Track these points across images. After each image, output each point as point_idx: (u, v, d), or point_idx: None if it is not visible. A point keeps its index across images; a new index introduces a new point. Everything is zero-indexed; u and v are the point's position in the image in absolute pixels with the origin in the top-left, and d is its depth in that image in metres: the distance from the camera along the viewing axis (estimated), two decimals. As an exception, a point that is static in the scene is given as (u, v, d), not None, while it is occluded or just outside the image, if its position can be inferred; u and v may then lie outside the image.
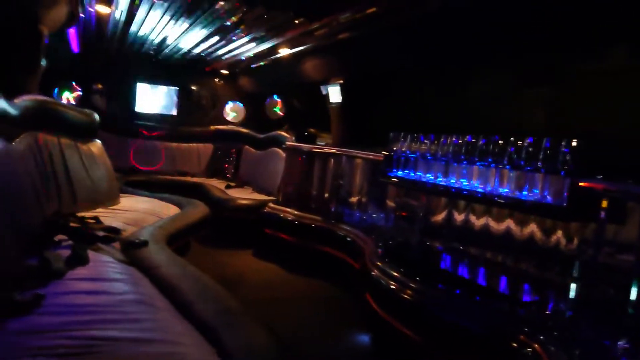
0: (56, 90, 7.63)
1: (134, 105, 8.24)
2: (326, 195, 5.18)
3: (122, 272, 2.47)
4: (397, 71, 5.14)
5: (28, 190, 2.97)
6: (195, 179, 7.63)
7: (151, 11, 4.80)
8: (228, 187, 7.00)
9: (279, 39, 5.39)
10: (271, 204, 5.65)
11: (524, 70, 3.96)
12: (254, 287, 4.45)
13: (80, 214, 3.63)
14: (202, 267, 4.64)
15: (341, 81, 5.45)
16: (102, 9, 4.60)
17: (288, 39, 5.25)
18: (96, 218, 3.48)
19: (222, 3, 4.19)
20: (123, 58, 7.58)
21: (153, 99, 8.42)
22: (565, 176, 2.54)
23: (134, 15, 4.96)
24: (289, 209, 5.39)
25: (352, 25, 4.34)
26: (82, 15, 4.70)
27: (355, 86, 5.48)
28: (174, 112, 8.52)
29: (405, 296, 2.83)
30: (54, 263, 2.28)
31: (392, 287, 2.97)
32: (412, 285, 2.84)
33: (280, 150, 6.67)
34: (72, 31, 5.26)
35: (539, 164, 2.73)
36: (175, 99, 8.51)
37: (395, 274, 3.03)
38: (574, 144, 2.57)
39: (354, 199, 4.87)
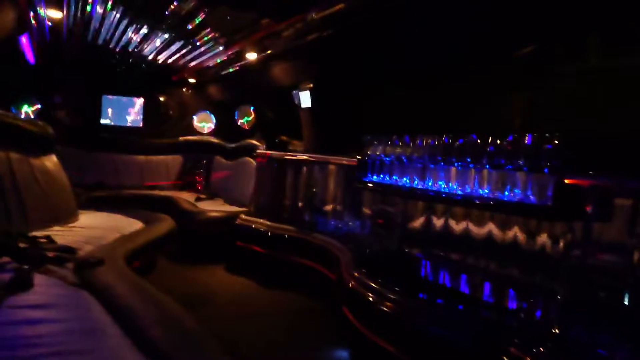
0: (12, 105, 7.26)
1: (98, 117, 7.92)
2: (300, 204, 4.98)
3: (70, 296, 2.21)
4: (369, 72, 4.98)
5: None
6: (164, 193, 7.33)
7: (107, 15, 4.56)
8: (198, 199, 6.73)
9: (245, 43, 5.19)
10: (243, 215, 5.42)
11: (503, 68, 3.86)
12: (225, 304, 4.20)
13: (32, 234, 3.36)
14: (169, 285, 4.45)
15: (311, 85, 5.27)
16: (54, 14, 4.33)
17: (254, 42, 5.06)
18: (48, 237, 3.20)
19: (176, 4, 3.97)
20: (85, 68, 7.28)
21: (118, 110, 8.11)
22: (550, 173, 2.39)
23: (90, 20, 4.71)
24: (261, 220, 5.17)
25: (320, 25, 4.17)
26: (33, 21, 4.42)
27: (326, 90, 5.31)
28: (141, 124, 8.22)
29: (384, 308, 2.64)
30: (-10, 289, 2.02)
31: (370, 298, 2.78)
32: (390, 296, 2.65)
33: (251, 160, 6.46)
34: (24, 40, 4.97)
35: (521, 162, 2.58)
36: (141, 110, 8.21)
37: (373, 284, 2.84)
38: (557, 141, 2.43)
39: (328, 207, 4.67)
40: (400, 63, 4.54)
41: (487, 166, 2.77)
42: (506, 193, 2.66)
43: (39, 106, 7.44)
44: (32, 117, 7.36)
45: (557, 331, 2.12)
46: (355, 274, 3.12)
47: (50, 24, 4.73)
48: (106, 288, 2.39)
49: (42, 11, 4.30)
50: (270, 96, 7.30)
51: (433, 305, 2.57)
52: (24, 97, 7.35)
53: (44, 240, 3.19)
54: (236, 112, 8.33)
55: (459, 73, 4.30)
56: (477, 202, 2.79)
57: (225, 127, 8.48)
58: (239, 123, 8.37)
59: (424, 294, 2.68)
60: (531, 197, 2.53)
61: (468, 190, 2.99)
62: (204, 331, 1.92)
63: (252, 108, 8.24)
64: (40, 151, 3.93)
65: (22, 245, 3.00)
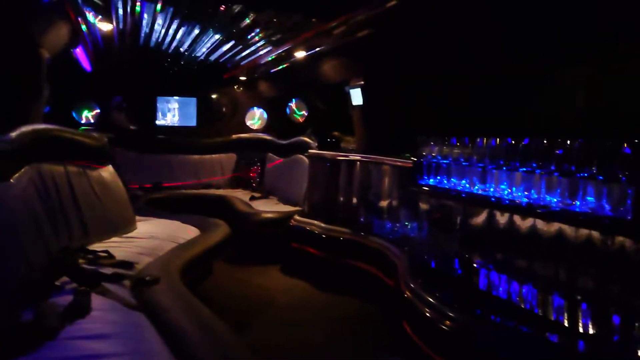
0: (74, 111, 7.53)
1: (154, 119, 8.09)
2: (354, 205, 4.86)
3: (126, 322, 2.22)
4: (424, 68, 4.77)
5: (29, 230, 2.76)
6: (219, 192, 7.41)
7: (156, 19, 4.58)
8: (252, 198, 6.75)
9: (295, 42, 5.11)
10: (297, 216, 5.36)
11: (563, 51, 3.58)
12: (281, 309, 4.18)
13: (92, 247, 3.44)
14: (226, 289, 4.50)
15: (362, 82, 5.11)
16: (105, 27, 4.40)
17: (304, 40, 4.96)
18: (107, 251, 3.25)
19: (224, 7, 3.92)
20: (139, 72, 7.44)
21: (173, 111, 8.25)
22: (629, 183, 2.15)
23: (140, 25, 4.75)
24: (315, 222, 5.10)
25: (371, 22, 4.01)
26: (85, 30, 4.51)
27: (379, 87, 5.13)
28: (195, 123, 8.34)
29: (443, 326, 2.50)
30: (48, 318, 2.04)
31: (427, 314, 2.65)
32: (449, 314, 2.51)
33: (304, 157, 6.38)
34: (79, 51, 5.10)
35: (594, 169, 2.35)
36: (195, 109, 8.33)
37: (431, 299, 2.71)
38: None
39: (383, 209, 4.53)
40: (457, 56, 4.31)
41: (556, 173, 2.55)
42: (577, 203, 2.44)
43: (98, 111, 7.68)
44: (92, 121, 7.61)
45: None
46: (412, 285, 2.99)
47: (101, 33, 4.81)
48: (161, 311, 2.39)
49: (91, 16, 4.34)
50: (322, 92, 7.21)
51: (493, 324, 2.41)
52: (84, 103, 7.60)
53: (104, 254, 3.26)
54: (287, 109, 8.28)
55: (514, 54, 4.02)
56: (542, 211, 2.58)
57: (277, 123, 8.46)
58: (292, 118, 8.33)
59: (485, 312, 2.52)
60: (607, 207, 2.30)
61: (534, 196, 2.78)
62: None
63: (303, 102, 8.18)
64: (96, 162, 4.01)
65: (82, 261, 3.08)
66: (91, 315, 2.24)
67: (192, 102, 8.28)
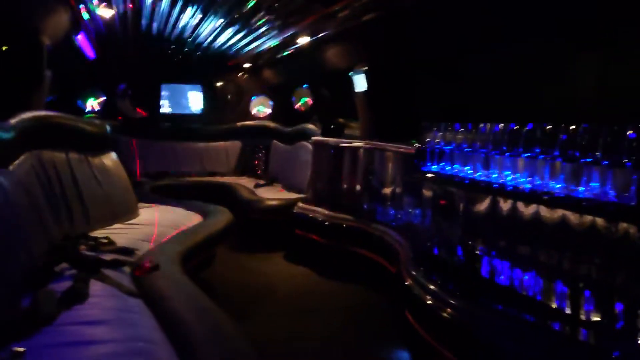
0: (79, 99, 7.53)
1: (158, 106, 8.07)
2: (357, 192, 4.83)
3: (124, 309, 2.21)
4: (428, 53, 4.70)
5: (30, 217, 2.76)
6: (224, 179, 7.41)
7: (161, 6, 4.53)
8: (257, 185, 6.75)
9: (299, 26, 5.04)
10: (300, 204, 5.34)
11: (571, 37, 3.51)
12: (283, 298, 4.17)
13: (93, 234, 3.44)
14: (228, 277, 4.51)
15: (366, 68, 5.05)
16: (106, 13, 4.36)
17: (308, 25, 4.90)
18: (108, 238, 3.25)
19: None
20: (143, 59, 7.41)
21: (177, 99, 8.23)
22: (634, 168, 2.11)
23: (141, 11, 4.70)
24: (318, 209, 5.07)
25: (375, 5, 3.94)
26: (87, 17, 4.47)
27: (382, 72, 5.07)
28: (200, 111, 8.32)
29: (444, 314, 2.48)
30: (44, 305, 2.04)
31: (429, 302, 2.63)
32: (451, 301, 2.48)
33: (308, 144, 6.34)
34: (80, 38, 5.07)
35: (598, 154, 2.30)
36: (200, 97, 8.30)
37: (432, 287, 2.68)
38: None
39: (386, 196, 4.50)
40: (457, 37, 4.23)
41: (559, 159, 2.50)
42: (581, 189, 2.40)
43: (103, 98, 7.67)
44: (98, 109, 7.61)
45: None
46: (414, 272, 2.97)
47: (103, 19, 4.77)
48: (161, 299, 2.38)
49: (93, 4, 4.29)
50: (326, 78, 7.14)
51: (494, 312, 2.38)
52: (89, 91, 7.60)
53: (105, 241, 3.26)
54: (292, 96, 8.23)
55: (521, 39, 3.94)
56: (546, 198, 2.53)
57: (282, 110, 8.42)
58: (296, 106, 8.27)
59: (487, 300, 2.49)
60: (610, 194, 2.26)
61: (538, 182, 2.73)
62: (256, 353, 1.85)
63: (307, 89, 8.12)
64: (98, 150, 4.00)
65: (82, 247, 3.08)
66: (89, 301, 2.24)
67: (198, 89, 8.25)
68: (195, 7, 4.75)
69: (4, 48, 3.45)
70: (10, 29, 3.46)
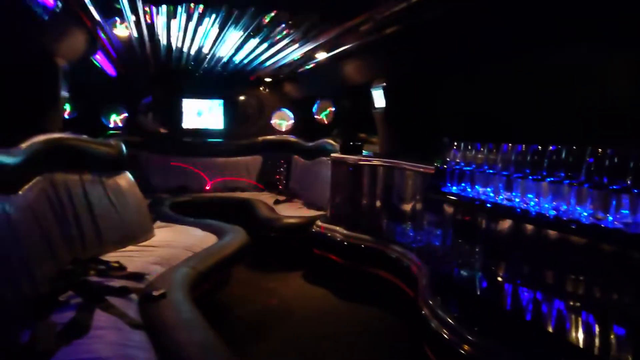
0: (102, 116, 7.62)
1: (180, 122, 8.10)
2: (375, 211, 4.69)
3: (126, 343, 2.13)
4: (449, 68, 4.55)
5: (37, 243, 2.73)
6: (244, 194, 7.35)
7: (172, 21, 4.50)
8: (277, 202, 6.67)
9: (316, 42, 4.97)
10: (319, 222, 5.23)
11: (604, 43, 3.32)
12: (300, 320, 4.06)
13: (106, 256, 3.40)
14: (244, 297, 4.42)
15: (384, 84, 4.93)
16: (121, 33, 4.36)
17: (326, 40, 4.81)
18: (119, 262, 3.21)
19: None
20: (164, 75, 7.45)
21: (199, 114, 8.24)
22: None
23: (155, 30, 4.68)
24: (337, 228, 4.95)
25: (393, 20, 3.83)
26: (104, 39, 4.48)
27: (401, 88, 4.94)
28: (221, 126, 8.31)
29: (461, 351, 2.33)
30: (43, 340, 1.98)
31: (445, 336, 2.48)
32: (468, 337, 2.33)
33: (328, 160, 6.24)
34: (99, 57, 5.09)
35: (629, 182, 2.13)
36: (221, 112, 8.29)
37: (449, 319, 2.54)
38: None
39: (405, 216, 4.35)
40: (479, 51, 4.08)
41: (586, 185, 2.33)
42: (610, 218, 2.22)
43: (126, 114, 7.74)
44: (120, 125, 7.68)
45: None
46: (431, 302, 2.83)
47: (120, 38, 4.77)
48: (165, 330, 2.31)
49: (109, 25, 4.28)
50: (348, 91, 7.04)
51: (516, 349, 2.22)
52: (112, 107, 7.68)
53: (116, 264, 3.21)
54: (314, 110, 8.14)
55: (549, 50, 3.76)
56: (573, 227, 2.36)
57: (304, 124, 8.34)
58: (317, 118, 8.18)
59: (508, 337, 2.33)
60: (643, 224, 2.08)
61: (563, 207, 2.56)
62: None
63: (329, 103, 8.03)
64: (113, 170, 3.98)
65: (92, 272, 3.04)
66: (90, 334, 2.17)
67: (219, 104, 8.26)
68: (213, 20, 4.71)
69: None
70: (25, 51, 3.47)
